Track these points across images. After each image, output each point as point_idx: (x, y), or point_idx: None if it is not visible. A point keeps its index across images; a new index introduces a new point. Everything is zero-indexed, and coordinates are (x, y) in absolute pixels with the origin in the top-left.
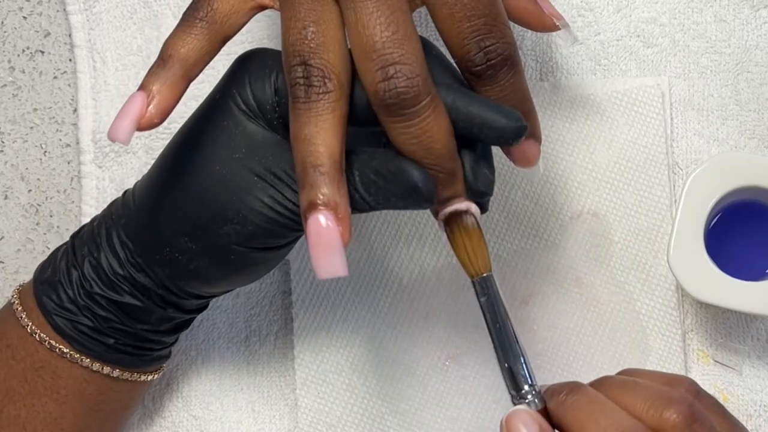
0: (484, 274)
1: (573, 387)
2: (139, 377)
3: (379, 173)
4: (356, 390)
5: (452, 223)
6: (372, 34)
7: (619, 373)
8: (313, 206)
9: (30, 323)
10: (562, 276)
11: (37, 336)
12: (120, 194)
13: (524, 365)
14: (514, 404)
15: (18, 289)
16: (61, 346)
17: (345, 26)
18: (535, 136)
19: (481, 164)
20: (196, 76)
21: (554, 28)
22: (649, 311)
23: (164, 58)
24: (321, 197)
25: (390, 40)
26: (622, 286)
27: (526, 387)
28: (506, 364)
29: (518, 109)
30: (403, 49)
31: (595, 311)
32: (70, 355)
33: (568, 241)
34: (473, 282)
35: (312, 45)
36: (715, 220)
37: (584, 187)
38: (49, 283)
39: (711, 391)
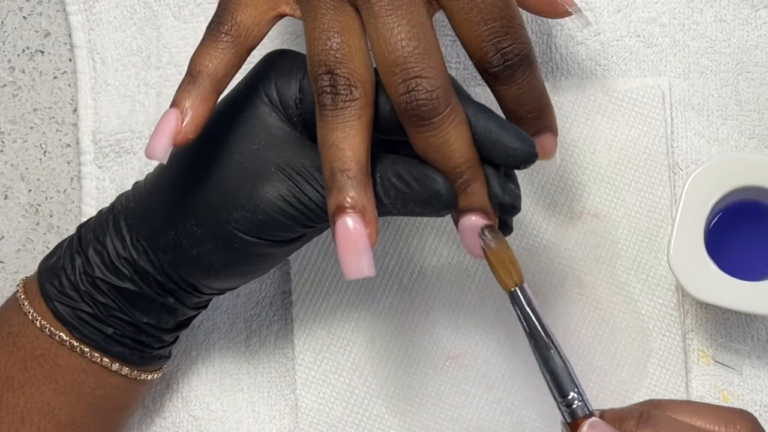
0: (518, 286)
1: (644, 410)
2: (138, 375)
3: (402, 177)
4: (356, 390)
5: (483, 238)
6: (394, 50)
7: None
8: (341, 209)
9: (31, 310)
10: (562, 276)
11: (37, 323)
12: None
13: (565, 370)
14: (560, 410)
15: (23, 280)
16: (60, 333)
17: (368, 40)
18: (552, 130)
19: (507, 179)
20: (225, 88)
21: (567, 14)
22: (649, 311)
23: (193, 74)
24: (349, 200)
25: (411, 54)
26: (623, 286)
27: (572, 393)
28: (546, 371)
29: (535, 105)
30: (424, 62)
31: (596, 311)
32: (70, 343)
33: (569, 242)
34: (509, 294)
35: (338, 55)
36: (715, 220)
37: (585, 187)
38: (52, 269)
39: (711, 391)
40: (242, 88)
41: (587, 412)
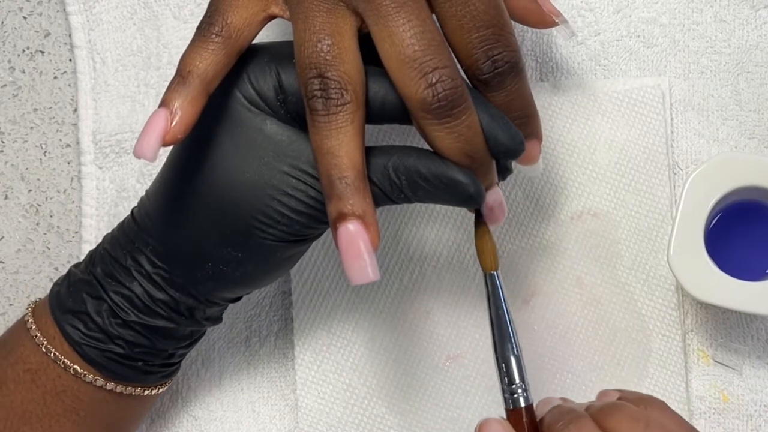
0: (492, 272)
1: (573, 417)
2: (158, 390)
3: (429, 181)
4: (356, 390)
5: (475, 221)
6: (409, 45)
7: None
8: (342, 217)
9: (53, 350)
10: (562, 276)
11: (61, 363)
12: (119, 195)
13: (518, 361)
14: (504, 398)
15: (30, 308)
16: (85, 372)
17: (374, 40)
18: (537, 136)
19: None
20: (214, 89)
21: (553, 24)
22: (649, 311)
23: (183, 74)
24: (349, 207)
25: (428, 48)
26: (623, 286)
27: (517, 382)
28: (501, 358)
29: (523, 112)
30: (440, 55)
31: (596, 311)
32: (96, 380)
33: (569, 241)
34: (490, 275)
35: (328, 57)
36: (715, 220)
37: (585, 187)
38: (72, 313)
39: (711, 391)
40: (219, 100)
41: (528, 404)
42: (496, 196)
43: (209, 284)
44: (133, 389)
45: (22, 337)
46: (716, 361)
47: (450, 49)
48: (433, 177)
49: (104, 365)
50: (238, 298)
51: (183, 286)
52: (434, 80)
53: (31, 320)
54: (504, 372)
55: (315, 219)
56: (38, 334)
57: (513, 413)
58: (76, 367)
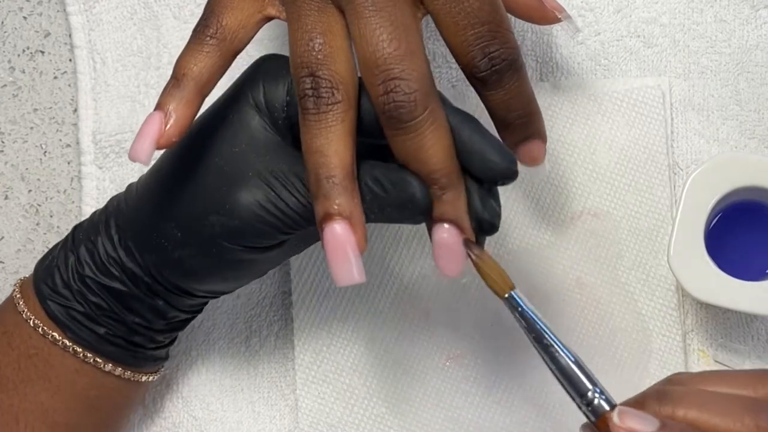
0: (511, 292)
1: (660, 389)
2: (133, 376)
3: (378, 181)
4: (356, 390)
5: (468, 249)
6: (375, 50)
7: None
8: (328, 217)
9: (26, 309)
10: (562, 276)
11: (31, 322)
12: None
13: (581, 368)
14: (582, 410)
15: (21, 280)
16: (53, 333)
17: (351, 39)
18: (541, 136)
19: (489, 195)
20: (210, 92)
21: (556, 20)
22: (649, 311)
23: (178, 77)
24: (335, 207)
25: (391, 56)
26: (623, 286)
27: (590, 393)
28: (561, 374)
29: (524, 111)
30: (404, 64)
31: (596, 311)
32: (62, 342)
33: (569, 242)
34: (504, 300)
35: (320, 56)
36: (715, 220)
37: (585, 187)
38: (47, 269)
39: None
40: (230, 93)
41: (612, 406)
42: (448, 236)
43: (151, 256)
44: (103, 363)
45: (7, 303)
46: (716, 362)
47: (423, 59)
48: (383, 178)
49: (68, 325)
50: (194, 296)
51: (131, 251)
52: (389, 89)
53: (17, 285)
54: (572, 387)
55: (263, 221)
56: (18, 296)
57: (601, 423)
58: (44, 327)
